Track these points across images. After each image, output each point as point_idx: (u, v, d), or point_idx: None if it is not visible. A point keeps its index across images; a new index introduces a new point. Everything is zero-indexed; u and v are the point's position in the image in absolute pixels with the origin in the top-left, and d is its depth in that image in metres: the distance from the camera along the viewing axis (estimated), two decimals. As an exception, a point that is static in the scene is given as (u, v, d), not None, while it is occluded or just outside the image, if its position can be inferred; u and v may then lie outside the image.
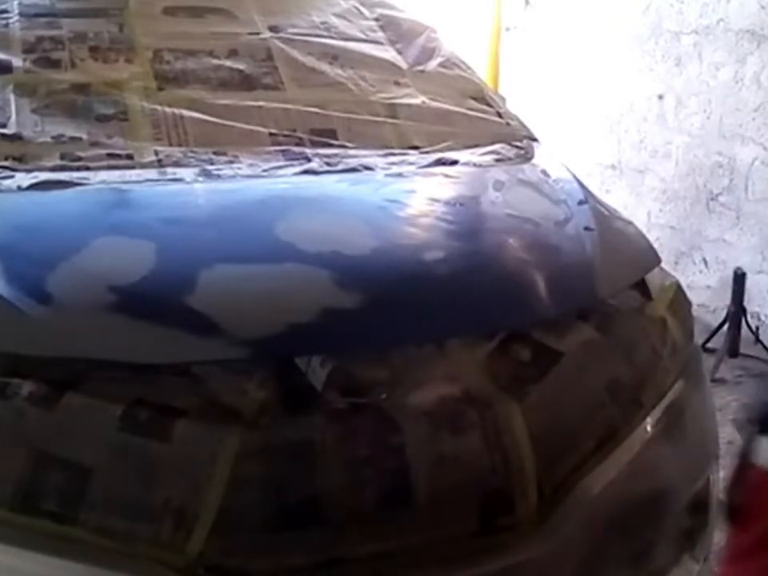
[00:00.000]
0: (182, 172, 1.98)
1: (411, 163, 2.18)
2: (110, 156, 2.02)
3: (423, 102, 2.42)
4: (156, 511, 1.40)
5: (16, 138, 2.03)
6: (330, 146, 2.20)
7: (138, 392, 1.46)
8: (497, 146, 2.33)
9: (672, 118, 4.25)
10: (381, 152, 2.20)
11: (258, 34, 2.48)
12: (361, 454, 1.47)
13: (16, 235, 1.71)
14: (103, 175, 1.94)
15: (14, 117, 2.08)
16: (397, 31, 2.68)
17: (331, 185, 2.02)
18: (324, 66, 2.43)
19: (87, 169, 1.96)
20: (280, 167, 2.07)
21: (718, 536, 1.97)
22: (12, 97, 2.13)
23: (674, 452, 1.77)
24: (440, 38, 2.72)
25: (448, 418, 1.54)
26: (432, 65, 2.59)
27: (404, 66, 2.55)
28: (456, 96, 2.50)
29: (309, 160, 2.11)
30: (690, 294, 2.18)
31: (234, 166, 2.04)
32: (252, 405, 1.48)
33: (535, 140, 2.45)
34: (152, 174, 1.97)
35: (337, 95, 2.37)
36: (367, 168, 2.11)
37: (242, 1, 2.60)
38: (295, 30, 2.53)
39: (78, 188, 1.87)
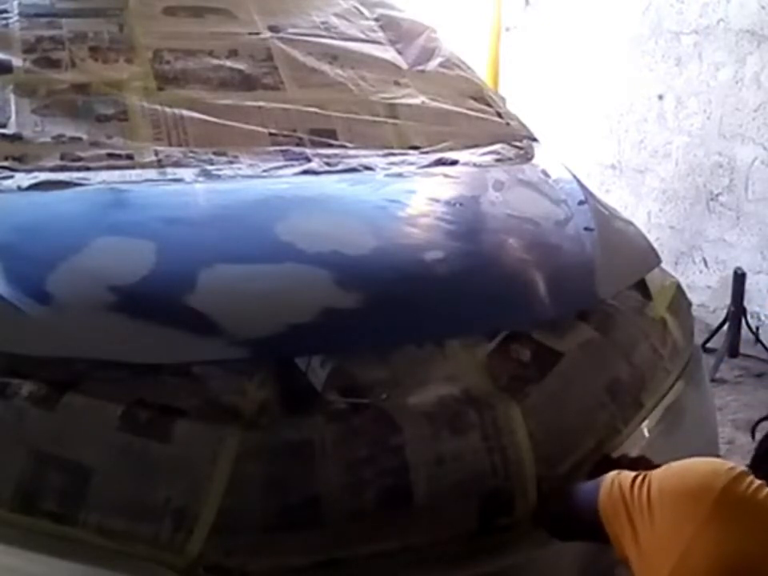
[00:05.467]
0: (182, 172, 1.98)
1: (411, 163, 2.18)
2: (110, 156, 2.02)
3: (423, 102, 2.42)
4: (156, 511, 1.40)
5: (16, 138, 2.03)
6: (330, 146, 2.20)
7: (138, 392, 1.46)
8: (497, 146, 2.33)
9: (672, 117, 4.25)
10: (381, 152, 2.21)
11: (258, 33, 2.48)
12: (361, 454, 1.47)
13: (16, 235, 1.70)
14: (103, 175, 1.94)
15: (13, 117, 2.08)
16: (397, 31, 2.68)
17: (331, 185, 2.02)
18: (324, 66, 2.43)
19: (87, 169, 1.96)
20: (280, 167, 2.07)
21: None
22: (12, 97, 2.13)
23: (674, 452, 1.77)
24: (440, 37, 2.72)
25: (448, 418, 1.54)
26: (432, 65, 2.59)
27: (404, 66, 2.55)
28: (456, 96, 2.50)
29: (309, 160, 2.11)
30: (690, 294, 2.18)
31: (234, 166, 2.04)
32: (252, 405, 1.48)
33: (535, 140, 2.45)
34: (152, 174, 1.97)
35: (337, 95, 2.37)
36: (367, 168, 2.11)
37: (242, 1, 2.60)
38: (295, 30, 2.53)
39: (78, 188, 1.87)
